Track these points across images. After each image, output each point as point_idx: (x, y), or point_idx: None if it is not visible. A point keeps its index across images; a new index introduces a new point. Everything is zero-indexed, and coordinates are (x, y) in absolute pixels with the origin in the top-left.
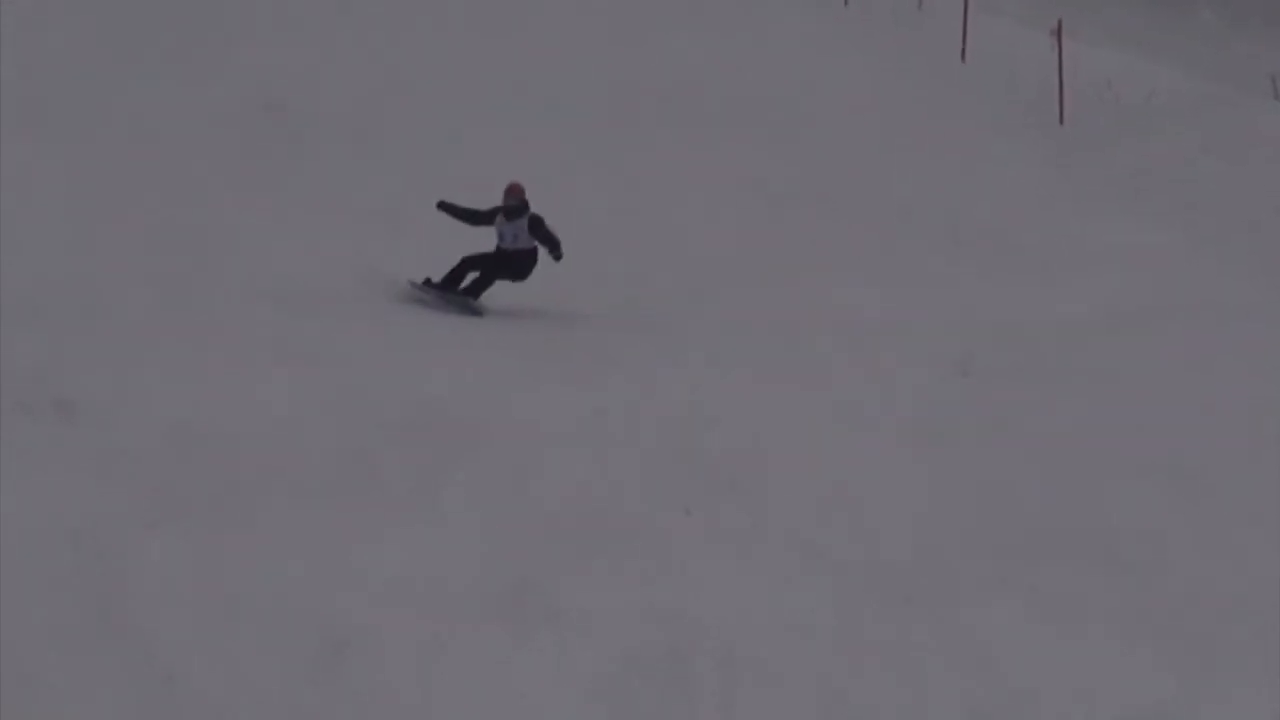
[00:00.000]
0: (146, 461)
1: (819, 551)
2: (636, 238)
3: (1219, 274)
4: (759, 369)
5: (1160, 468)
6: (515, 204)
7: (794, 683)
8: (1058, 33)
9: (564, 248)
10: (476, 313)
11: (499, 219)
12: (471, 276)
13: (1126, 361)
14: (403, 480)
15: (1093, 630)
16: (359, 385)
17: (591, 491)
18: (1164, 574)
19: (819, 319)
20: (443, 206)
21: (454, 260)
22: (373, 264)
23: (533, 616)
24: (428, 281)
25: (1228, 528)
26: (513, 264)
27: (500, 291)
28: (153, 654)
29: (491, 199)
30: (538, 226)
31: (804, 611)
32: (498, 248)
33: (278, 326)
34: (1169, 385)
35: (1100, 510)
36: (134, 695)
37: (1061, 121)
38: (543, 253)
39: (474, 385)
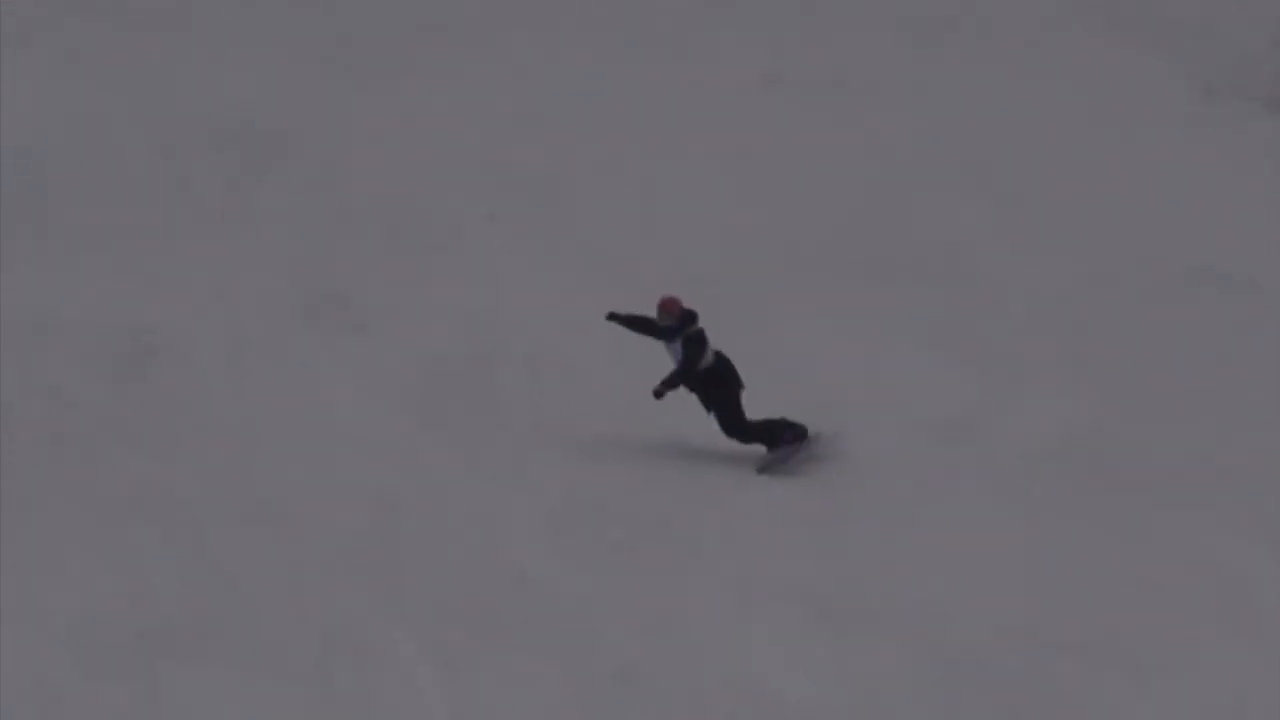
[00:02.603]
0: None
1: (623, 262)
2: None
3: None
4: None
5: (968, 180)
6: (671, 323)
7: (591, 381)
8: None
9: (674, 381)
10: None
11: (664, 337)
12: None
13: (936, 74)
14: (212, 186)
15: (899, 342)
16: (166, 90)
17: (400, 197)
18: (970, 286)
19: None
20: (614, 317)
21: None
22: None
23: (339, 321)
24: (767, 463)
25: (1034, 239)
26: (720, 385)
27: None
28: None
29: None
30: (688, 347)
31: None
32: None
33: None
34: (978, 97)
35: (908, 223)
36: None
37: None
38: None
39: (285, 91)
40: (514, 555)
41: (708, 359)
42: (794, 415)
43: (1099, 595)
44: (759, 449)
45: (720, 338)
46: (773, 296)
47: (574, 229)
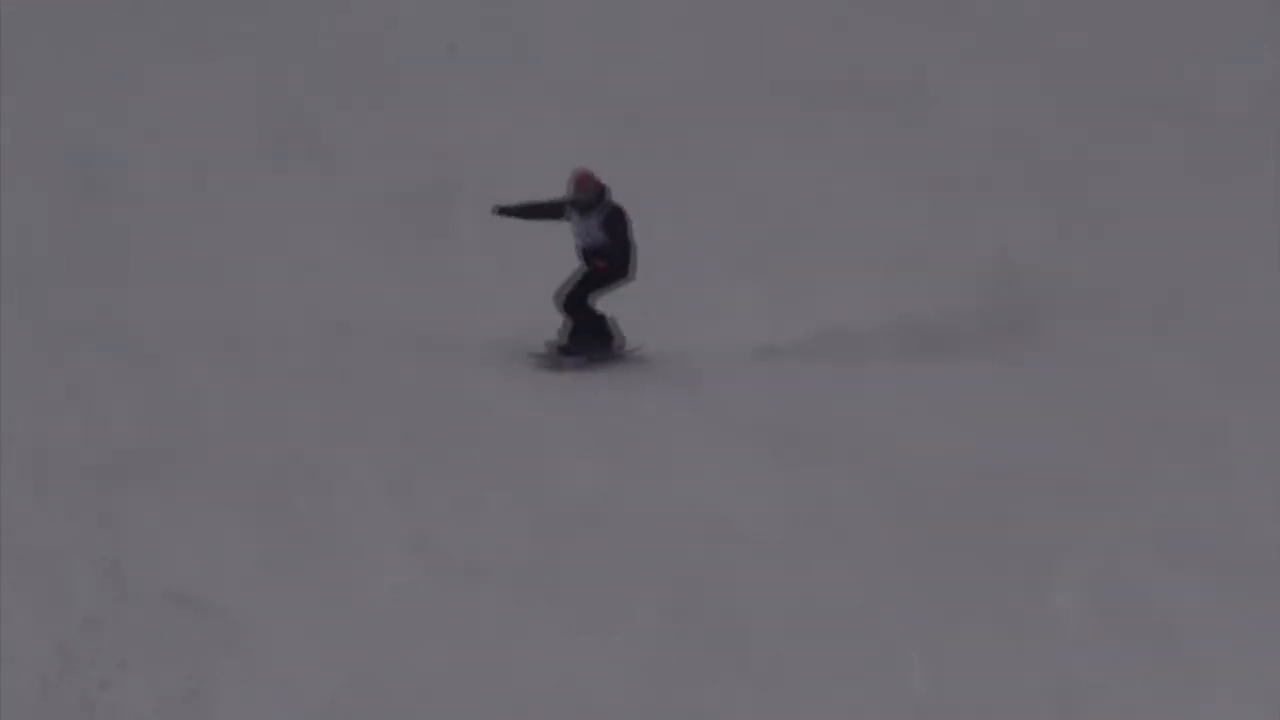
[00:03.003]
0: None
1: (582, 92)
2: None
3: None
4: None
5: (937, 7)
6: (585, 198)
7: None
8: None
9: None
10: (620, 354)
11: (570, 213)
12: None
13: None
14: (173, 20)
15: (857, 171)
16: None
17: (361, 30)
18: (932, 115)
19: None
20: (502, 211)
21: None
22: None
23: (299, 152)
24: (565, 350)
25: (1000, 70)
26: (601, 256)
27: None
28: None
29: None
30: (614, 223)
31: (563, 149)
32: (581, 252)
33: None
34: None
35: (871, 52)
36: None
37: None
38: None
39: None
40: (469, 383)
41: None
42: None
43: (1050, 424)
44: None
45: (680, 166)
46: (732, 124)
47: (533, 60)
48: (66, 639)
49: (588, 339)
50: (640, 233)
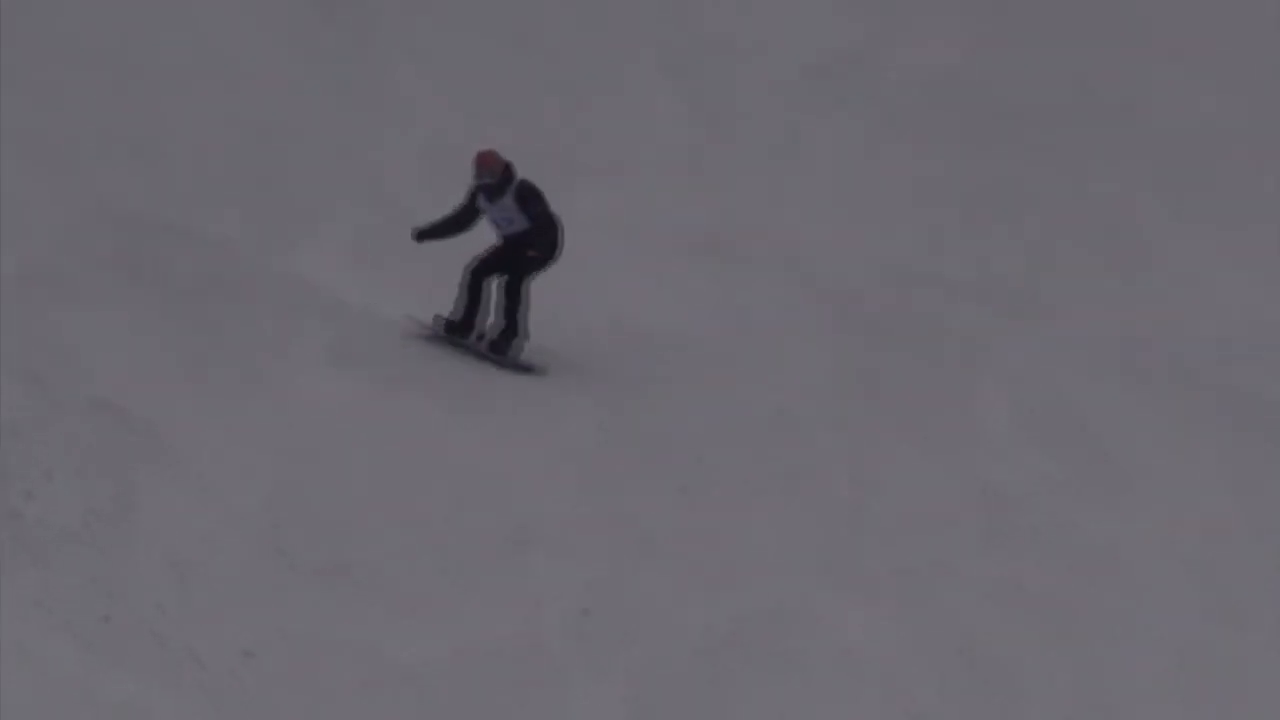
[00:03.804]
0: None
1: None
2: None
3: None
4: None
5: None
6: (492, 180)
7: None
8: None
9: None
10: (529, 368)
11: (481, 203)
12: (495, 297)
13: None
14: None
15: None
16: None
17: None
18: None
19: None
20: (420, 235)
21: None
22: None
23: None
24: (450, 327)
25: None
26: (530, 246)
27: None
28: None
29: None
30: (528, 200)
31: None
32: (503, 239)
33: None
34: None
35: None
36: None
37: None
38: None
39: None
40: (389, 183)
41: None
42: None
43: (978, 232)
44: None
45: None
46: None
47: None
48: None
49: (510, 340)
50: None
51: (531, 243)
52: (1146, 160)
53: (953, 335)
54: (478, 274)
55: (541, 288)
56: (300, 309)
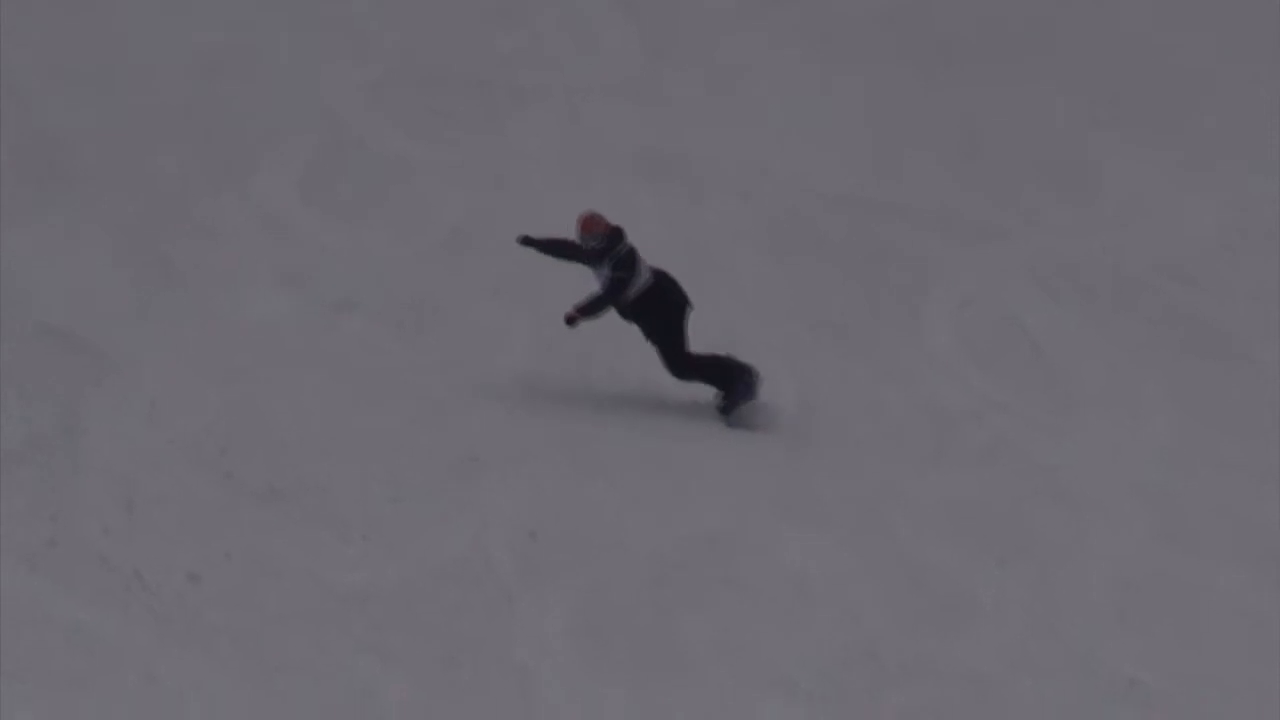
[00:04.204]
0: None
1: None
2: None
3: None
4: None
5: None
6: (596, 245)
7: None
8: None
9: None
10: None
11: (587, 259)
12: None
13: None
14: None
15: None
16: None
17: None
18: None
19: None
20: (526, 242)
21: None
22: None
23: None
24: (726, 403)
25: None
26: (658, 308)
27: None
28: None
29: None
30: (613, 285)
31: None
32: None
33: None
34: None
35: None
36: None
37: None
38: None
39: None
40: (341, 117)
41: (643, 280)
42: None
43: (929, 161)
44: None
45: None
46: None
47: None
48: None
49: (730, 384)
50: None
51: (661, 307)
52: (1099, 89)
53: (902, 260)
54: (683, 365)
55: (490, 218)
56: (250, 235)
